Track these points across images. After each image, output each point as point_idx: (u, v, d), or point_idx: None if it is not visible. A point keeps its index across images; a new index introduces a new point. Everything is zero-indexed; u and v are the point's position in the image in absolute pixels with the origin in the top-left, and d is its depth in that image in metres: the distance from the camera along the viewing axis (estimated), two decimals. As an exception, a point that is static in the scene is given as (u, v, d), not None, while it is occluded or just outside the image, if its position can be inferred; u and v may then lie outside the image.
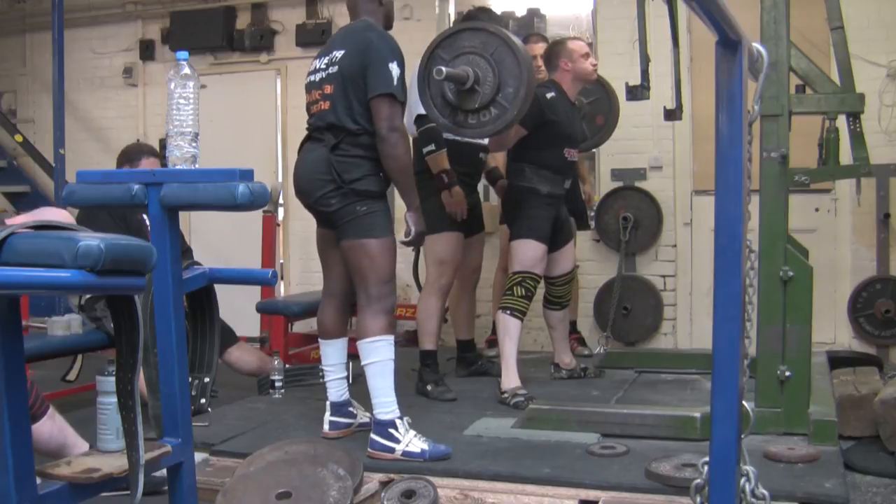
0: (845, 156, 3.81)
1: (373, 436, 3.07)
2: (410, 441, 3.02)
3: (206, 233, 6.28)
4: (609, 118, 5.25)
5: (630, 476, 2.79)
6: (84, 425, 2.76)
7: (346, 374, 3.41)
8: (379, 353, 3.08)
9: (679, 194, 5.70)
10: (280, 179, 6.43)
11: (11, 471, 1.57)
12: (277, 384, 4.12)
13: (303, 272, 6.52)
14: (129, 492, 1.74)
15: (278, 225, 6.00)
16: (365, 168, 3.10)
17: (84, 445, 2.69)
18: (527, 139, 3.96)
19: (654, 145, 5.70)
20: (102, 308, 3.73)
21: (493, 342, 4.98)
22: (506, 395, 3.83)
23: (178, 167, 2.08)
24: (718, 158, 1.92)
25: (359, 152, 3.10)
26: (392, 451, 3.02)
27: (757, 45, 2.05)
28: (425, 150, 3.93)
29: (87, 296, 3.60)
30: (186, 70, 2.09)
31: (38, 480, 1.68)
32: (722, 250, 1.91)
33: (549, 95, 4.00)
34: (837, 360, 4.53)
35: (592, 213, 5.61)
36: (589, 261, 5.77)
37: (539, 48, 4.58)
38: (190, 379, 2.23)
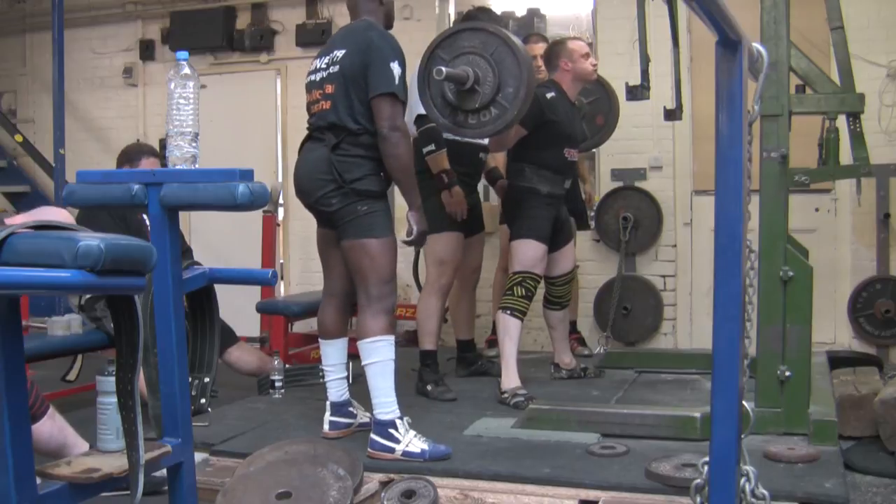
0: (845, 156, 3.81)
1: (373, 436, 3.07)
2: (410, 441, 3.02)
3: (206, 233, 6.28)
4: (609, 118, 5.25)
5: (630, 476, 2.79)
6: (84, 425, 2.76)
7: (346, 374, 3.41)
8: (379, 354, 3.08)
9: (679, 194, 5.70)
10: (280, 179, 6.43)
11: (11, 471, 1.57)
12: (277, 384, 4.12)
13: (303, 272, 6.53)
14: (129, 492, 1.74)
15: (278, 225, 6.00)
16: (366, 168, 3.10)
17: (84, 445, 2.69)
18: (527, 139, 3.96)
19: (654, 145, 5.70)
20: (102, 308, 3.73)
21: (493, 342, 4.99)
22: (506, 395, 3.83)
23: (178, 167, 2.08)
24: (718, 158, 1.92)
25: (360, 152, 3.10)
26: (392, 451, 3.02)
27: (757, 45, 2.05)
28: (425, 150, 3.93)
29: (87, 296, 3.60)
30: (186, 70, 2.09)
31: (38, 480, 1.68)
32: (722, 250, 1.91)
33: (549, 95, 4.00)
34: (837, 360, 4.53)
35: (592, 213, 5.61)
36: (589, 261, 5.77)
37: (539, 48, 4.58)
38: (190, 379, 2.23)
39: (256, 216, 5.48)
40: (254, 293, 5.36)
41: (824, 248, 5.27)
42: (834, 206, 5.40)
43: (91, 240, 1.43)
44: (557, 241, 4.16)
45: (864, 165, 3.64)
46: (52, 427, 2.71)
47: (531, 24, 6.05)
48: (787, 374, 3.15)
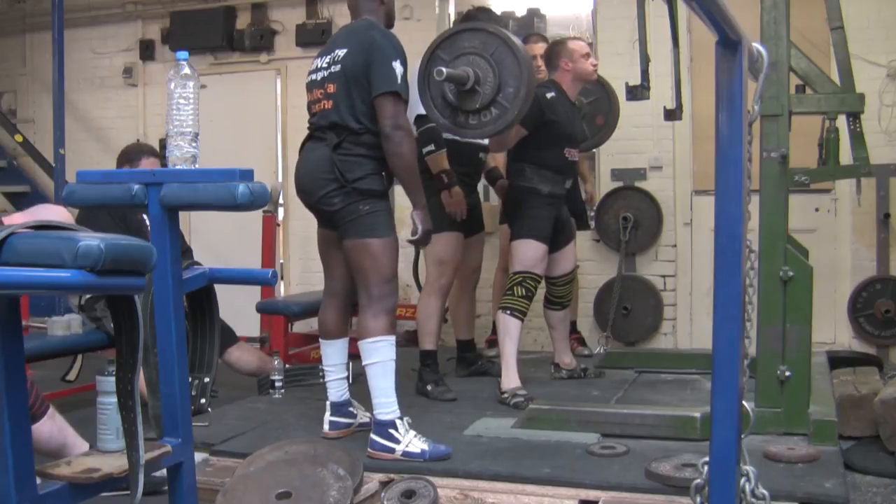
0: (845, 156, 3.81)
1: (373, 436, 3.07)
2: (410, 441, 3.02)
3: (206, 233, 6.28)
4: (609, 118, 5.25)
5: (630, 476, 2.79)
6: (84, 425, 2.76)
7: (346, 374, 3.40)
8: (380, 354, 3.08)
9: (679, 194, 5.70)
10: (280, 179, 6.43)
11: (11, 471, 1.57)
12: (277, 384, 4.12)
13: (303, 272, 6.53)
14: (129, 492, 1.74)
15: (278, 225, 6.00)
16: (367, 167, 3.10)
17: (84, 445, 2.69)
18: (527, 139, 3.96)
19: (654, 145, 5.70)
20: (102, 308, 3.73)
21: (493, 342, 4.99)
22: (506, 396, 3.83)
23: (178, 167, 2.08)
24: (718, 158, 1.92)
25: (361, 151, 3.10)
26: (392, 451, 3.02)
27: (757, 45, 2.05)
28: (425, 150, 3.92)
29: (87, 296, 3.60)
30: (186, 70, 2.09)
31: (38, 480, 1.68)
32: (722, 250, 1.91)
33: (549, 95, 4.00)
34: (837, 360, 4.53)
35: (593, 213, 5.61)
36: (589, 261, 5.77)
37: (539, 48, 4.58)
38: (190, 379, 2.23)
39: (256, 216, 5.48)
40: (254, 293, 5.36)
41: (824, 248, 5.27)
42: (834, 206, 5.40)
43: (91, 240, 1.43)
44: (558, 241, 4.16)
45: (864, 165, 3.64)
46: (52, 427, 2.71)
47: (531, 24, 6.05)
48: (787, 374, 3.15)
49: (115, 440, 1.90)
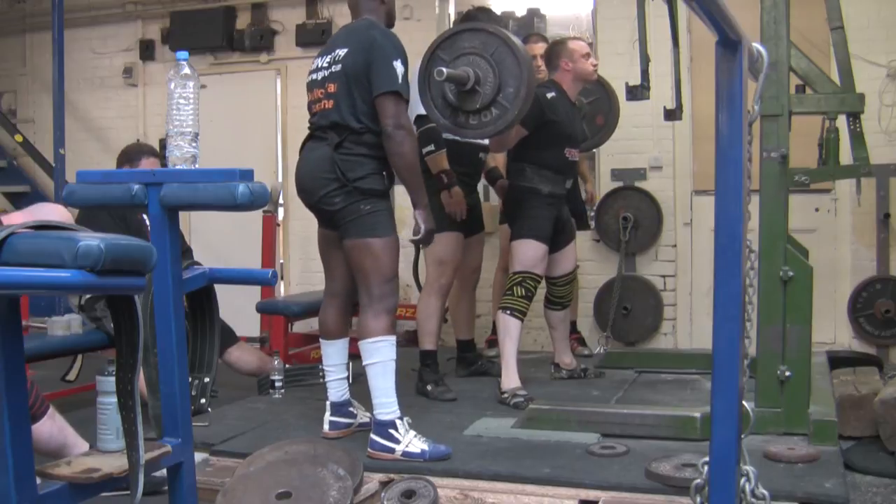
0: (845, 156, 3.81)
1: (373, 436, 3.06)
2: (410, 441, 3.02)
3: (206, 233, 6.28)
4: (609, 118, 5.25)
5: (630, 476, 2.79)
6: (84, 425, 2.76)
7: (346, 374, 3.40)
8: (381, 354, 3.08)
9: (679, 194, 5.70)
10: (280, 179, 6.43)
11: (11, 471, 1.57)
12: (277, 384, 4.12)
13: (303, 272, 6.53)
14: (129, 492, 1.74)
15: (278, 225, 6.00)
16: (369, 167, 3.10)
17: (84, 445, 2.69)
18: (527, 139, 3.96)
19: (654, 145, 5.70)
20: (102, 308, 3.73)
21: (493, 342, 4.99)
22: (506, 396, 3.83)
23: (178, 167, 2.08)
24: (718, 158, 1.92)
25: (362, 150, 3.10)
26: (392, 451, 3.02)
27: (757, 45, 2.05)
28: (425, 150, 3.92)
29: (87, 296, 3.60)
30: (186, 70, 2.09)
31: (38, 480, 1.68)
32: (722, 250, 1.91)
33: (549, 95, 4.00)
34: (837, 360, 4.53)
35: (593, 213, 5.62)
36: (589, 261, 5.77)
37: (539, 48, 4.58)
38: (190, 379, 2.23)
39: (256, 216, 5.48)
40: (254, 293, 5.36)
41: (824, 248, 5.27)
42: (834, 206, 5.40)
43: (91, 240, 1.43)
44: (559, 241, 4.16)
45: (864, 165, 3.64)
46: (52, 427, 2.71)
47: (531, 24, 6.05)
48: (787, 374, 3.15)
49: (115, 440, 1.90)
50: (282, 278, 6.57)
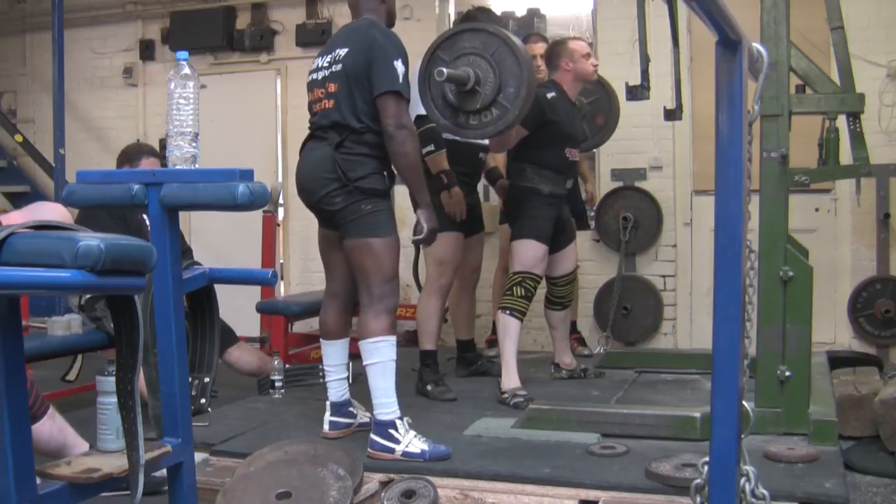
0: (845, 156, 3.81)
1: (373, 436, 3.06)
2: (410, 441, 3.02)
3: (206, 233, 6.28)
4: (609, 118, 5.25)
5: (630, 476, 2.79)
6: (84, 425, 2.76)
7: (346, 374, 3.40)
8: (381, 354, 3.08)
9: (679, 194, 5.70)
10: (280, 179, 6.43)
11: (11, 471, 1.57)
12: (277, 384, 4.12)
13: (303, 272, 6.53)
14: (129, 492, 1.74)
15: (278, 225, 6.00)
16: (369, 166, 3.10)
17: (84, 445, 2.69)
18: (528, 139, 3.96)
19: (654, 145, 5.70)
20: (102, 308, 3.73)
21: (493, 342, 4.99)
22: (506, 396, 3.83)
23: (178, 167, 2.08)
24: (718, 158, 1.92)
25: (363, 150, 3.10)
26: (392, 451, 3.01)
27: (757, 45, 2.05)
28: (425, 150, 3.91)
29: (87, 296, 3.60)
30: (186, 70, 2.09)
31: (38, 480, 1.68)
32: (722, 250, 1.91)
33: (549, 95, 4.00)
34: (837, 360, 4.53)
35: (593, 213, 5.62)
36: (589, 261, 5.77)
37: (539, 48, 4.58)
38: (190, 379, 2.23)
39: (256, 216, 5.48)
40: (254, 293, 5.36)
41: (824, 248, 5.27)
42: (834, 206, 5.40)
43: (91, 240, 1.43)
44: (559, 241, 4.16)
45: (864, 165, 3.64)
46: (52, 427, 2.71)
47: (531, 24, 6.05)
48: (787, 374, 3.15)
49: (115, 440, 1.90)
50: (282, 278, 6.57)
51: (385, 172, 3.14)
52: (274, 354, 4.48)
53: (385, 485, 2.87)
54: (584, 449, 3.09)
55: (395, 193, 3.60)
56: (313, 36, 6.34)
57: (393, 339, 3.11)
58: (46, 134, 6.56)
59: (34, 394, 2.60)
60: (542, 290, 4.20)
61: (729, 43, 1.87)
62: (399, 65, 3.06)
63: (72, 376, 4.20)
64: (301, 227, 6.25)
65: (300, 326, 5.69)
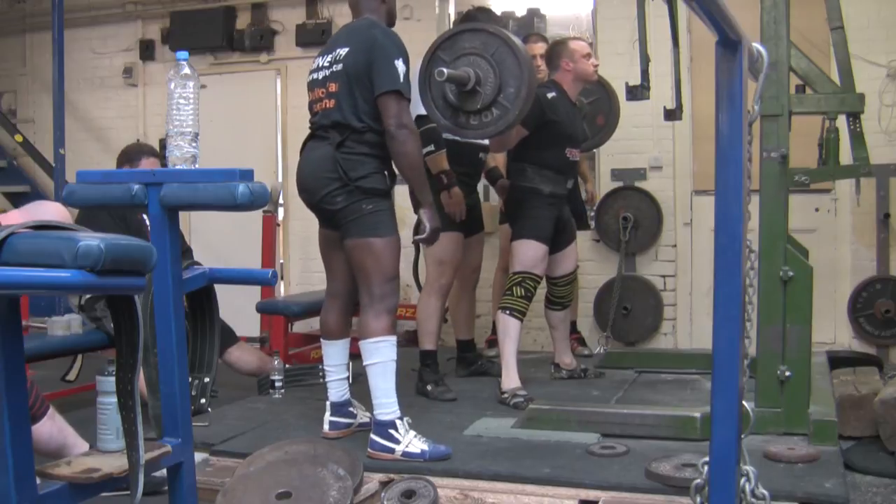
0: (845, 156, 3.81)
1: (373, 436, 3.06)
2: (410, 442, 3.02)
3: (206, 233, 6.28)
4: (609, 118, 5.25)
5: (630, 476, 2.79)
6: (84, 425, 2.76)
7: (347, 374, 3.40)
8: (381, 354, 3.08)
9: (679, 194, 5.70)
10: (280, 179, 6.43)
11: (11, 471, 1.57)
12: (277, 384, 4.12)
13: (303, 272, 6.53)
14: (129, 492, 1.74)
15: (278, 225, 6.00)
16: (370, 166, 3.09)
17: (84, 445, 2.69)
18: (528, 139, 3.96)
19: (654, 145, 5.70)
20: (102, 308, 3.73)
21: (493, 342, 4.99)
22: (506, 396, 3.83)
23: (178, 167, 2.08)
24: (718, 158, 1.92)
25: (364, 150, 3.10)
26: (392, 451, 3.01)
27: (757, 45, 2.05)
28: (425, 150, 3.89)
29: (87, 296, 3.60)
30: (186, 70, 2.09)
31: (38, 480, 1.68)
32: (722, 250, 1.91)
33: (549, 95, 4.00)
34: (837, 360, 4.53)
35: (593, 213, 5.62)
36: (589, 261, 5.77)
37: (539, 48, 4.58)
38: (190, 379, 2.23)
39: (256, 216, 5.48)
40: (254, 293, 5.36)
41: (824, 248, 5.27)
42: (834, 206, 5.40)
43: (91, 240, 1.43)
44: (560, 241, 4.16)
45: (864, 165, 3.64)
46: (51, 428, 2.71)
47: (531, 24, 6.05)
48: (787, 374, 3.15)
49: (115, 440, 1.90)
50: (282, 278, 6.57)
51: (386, 172, 3.14)
52: (274, 354, 4.48)
53: (385, 485, 2.87)
54: (584, 449, 3.09)
55: (395, 193, 3.60)
56: (313, 36, 6.34)
57: (393, 339, 3.11)
58: (46, 134, 6.56)
59: (34, 394, 2.60)
60: (542, 290, 4.20)
61: (729, 43, 1.87)
62: (400, 64, 3.06)
63: (72, 376, 4.20)
64: (301, 227, 6.25)
65: (300, 326, 5.69)
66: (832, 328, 5.34)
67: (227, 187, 1.90)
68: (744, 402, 1.94)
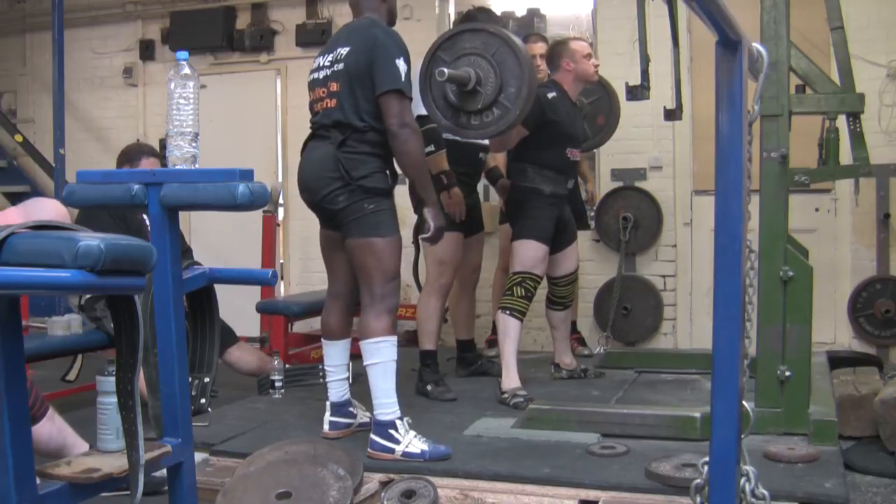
0: (845, 156, 3.81)
1: (373, 436, 3.06)
2: (410, 442, 3.02)
3: (206, 233, 6.28)
4: (610, 118, 5.26)
5: (630, 476, 2.79)
6: (84, 425, 2.76)
7: (347, 374, 3.40)
8: (382, 354, 3.08)
9: (679, 194, 5.70)
10: (280, 179, 6.43)
11: (11, 471, 1.57)
12: (277, 384, 4.12)
13: (303, 272, 6.53)
14: (129, 492, 1.74)
15: (278, 225, 6.00)
16: (372, 165, 3.09)
17: (84, 446, 2.69)
18: (528, 139, 3.96)
19: (654, 145, 5.70)
20: (102, 308, 3.73)
21: (493, 342, 4.99)
22: (506, 396, 3.83)
23: (178, 167, 2.08)
24: (718, 158, 1.92)
25: (366, 149, 3.09)
26: (392, 451, 3.01)
27: (757, 45, 2.05)
28: (425, 150, 3.91)
29: (87, 296, 3.60)
30: (186, 70, 2.09)
31: (38, 480, 1.68)
32: (722, 250, 1.91)
33: (550, 95, 4.00)
34: (837, 360, 4.53)
35: (593, 213, 5.62)
36: (589, 261, 5.77)
37: (538, 48, 4.58)
38: (190, 379, 2.23)
39: (256, 216, 5.48)
40: (254, 293, 5.36)
41: (824, 248, 5.27)
42: (834, 206, 5.41)
43: (91, 240, 1.43)
44: (561, 241, 4.16)
45: (864, 165, 3.64)
46: (51, 428, 2.70)
47: (531, 24, 6.05)
48: (787, 374, 3.15)
49: (115, 440, 1.90)
50: (282, 278, 6.57)
51: (388, 171, 3.14)
52: (274, 354, 4.48)
53: (385, 485, 2.87)
54: (584, 449, 3.09)
55: (395, 193, 3.61)
56: (313, 36, 6.34)
57: (394, 339, 3.11)
58: (46, 134, 6.56)
59: (34, 395, 2.60)
60: (542, 291, 4.20)
61: (729, 43, 1.87)
62: (401, 63, 3.06)
63: (72, 376, 4.20)
64: (301, 227, 6.25)
65: (300, 326, 5.69)
66: (832, 328, 5.34)
67: (227, 187, 1.90)
68: (744, 402, 1.94)
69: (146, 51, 6.90)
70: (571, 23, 6.61)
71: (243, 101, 6.61)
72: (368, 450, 3.05)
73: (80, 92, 6.99)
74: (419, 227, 3.39)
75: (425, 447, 3.01)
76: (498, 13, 4.95)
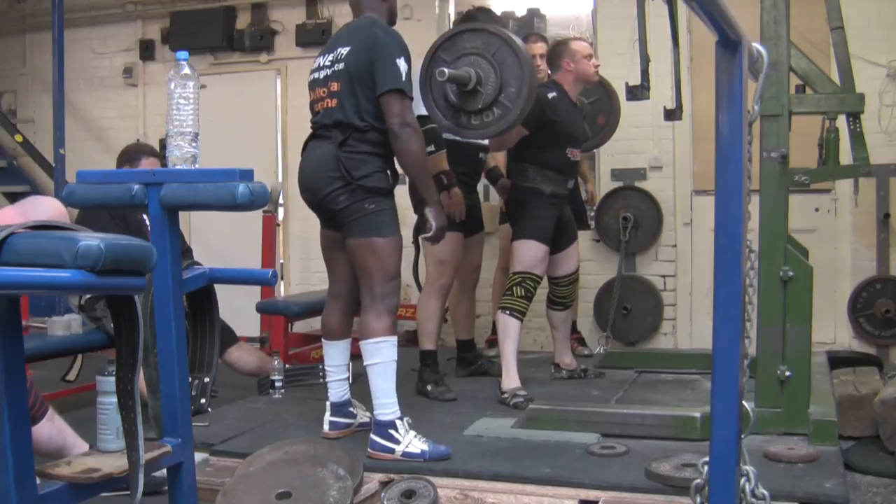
0: (845, 156, 3.81)
1: (373, 436, 3.06)
2: (410, 442, 3.02)
3: (206, 233, 6.28)
4: (610, 118, 5.26)
5: (630, 476, 2.79)
6: (84, 425, 2.76)
7: (347, 374, 3.40)
8: (382, 355, 3.08)
9: (679, 194, 5.70)
10: (280, 179, 6.43)
11: (11, 471, 1.57)
12: (277, 384, 4.12)
13: (303, 272, 6.53)
14: (129, 492, 1.74)
15: (278, 225, 6.00)
16: (373, 165, 3.09)
17: (84, 446, 2.68)
18: (528, 139, 3.96)
19: (654, 145, 5.71)
20: (102, 308, 3.73)
21: (493, 342, 4.99)
22: (506, 396, 3.83)
23: (178, 167, 2.08)
24: (718, 158, 1.92)
25: (367, 149, 3.09)
26: (392, 451, 3.01)
27: (757, 45, 2.05)
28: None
29: (87, 296, 3.60)
30: (186, 70, 2.09)
31: (38, 480, 1.68)
32: (722, 250, 1.91)
33: (550, 95, 4.00)
34: (837, 360, 4.53)
35: (593, 213, 5.62)
36: (589, 261, 5.77)
37: (538, 48, 4.58)
38: (190, 379, 2.23)
39: (256, 216, 5.48)
40: (254, 293, 5.36)
41: (824, 248, 5.27)
42: (834, 206, 5.41)
43: (91, 240, 1.43)
44: (561, 241, 4.16)
45: (864, 165, 3.64)
46: (51, 429, 2.70)
47: (531, 24, 6.05)
48: (787, 374, 3.15)
49: (115, 440, 1.90)
50: (282, 278, 6.57)
51: (389, 171, 3.14)
52: (274, 354, 4.48)
53: (385, 485, 2.87)
54: (584, 449, 3.09)
55: (396, 193, 3.61)
56: (313, 36, 6.34)
57: (394, 339, 3.11)
58: (46, 134, 6.56)
59: (33, 395, 2.59)
60: (543, 291, 4.20)
61: (729, 43, 1.87)
62: (402, 63, 3.05)
63: (72, 376, 4.20)
64: (301, 227, 6.25)
65: (300, 326, 5.69)
66: (832, 328, 5.34)
67: (227, 187, 1.90)
68: (744, 402, 1.94)
69: (146, 51, 6.90)
70: (571, 23, 6.61)
71: (243, 101, 6.61)
72: (368, 450, 3.05)
73: (80, 92, 6.99)
74: (420, 227, 3.39)
75: (425, 447, 3.01)
76: (498, 13, 4.95)
